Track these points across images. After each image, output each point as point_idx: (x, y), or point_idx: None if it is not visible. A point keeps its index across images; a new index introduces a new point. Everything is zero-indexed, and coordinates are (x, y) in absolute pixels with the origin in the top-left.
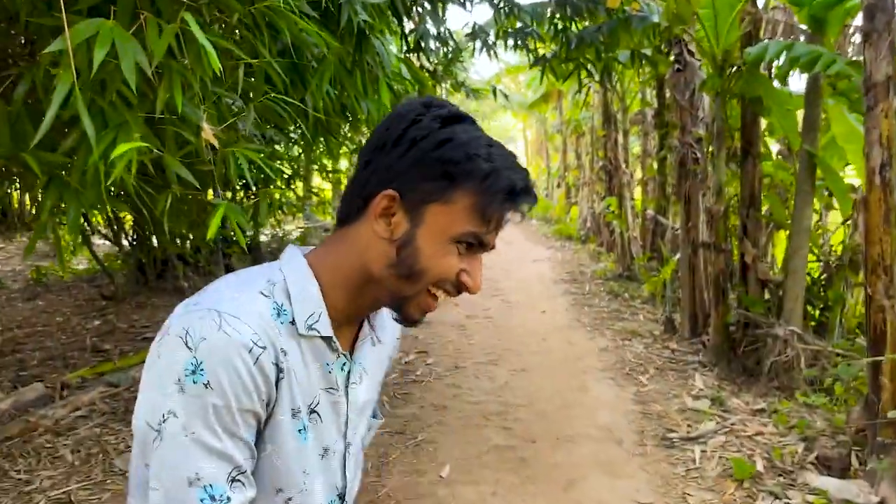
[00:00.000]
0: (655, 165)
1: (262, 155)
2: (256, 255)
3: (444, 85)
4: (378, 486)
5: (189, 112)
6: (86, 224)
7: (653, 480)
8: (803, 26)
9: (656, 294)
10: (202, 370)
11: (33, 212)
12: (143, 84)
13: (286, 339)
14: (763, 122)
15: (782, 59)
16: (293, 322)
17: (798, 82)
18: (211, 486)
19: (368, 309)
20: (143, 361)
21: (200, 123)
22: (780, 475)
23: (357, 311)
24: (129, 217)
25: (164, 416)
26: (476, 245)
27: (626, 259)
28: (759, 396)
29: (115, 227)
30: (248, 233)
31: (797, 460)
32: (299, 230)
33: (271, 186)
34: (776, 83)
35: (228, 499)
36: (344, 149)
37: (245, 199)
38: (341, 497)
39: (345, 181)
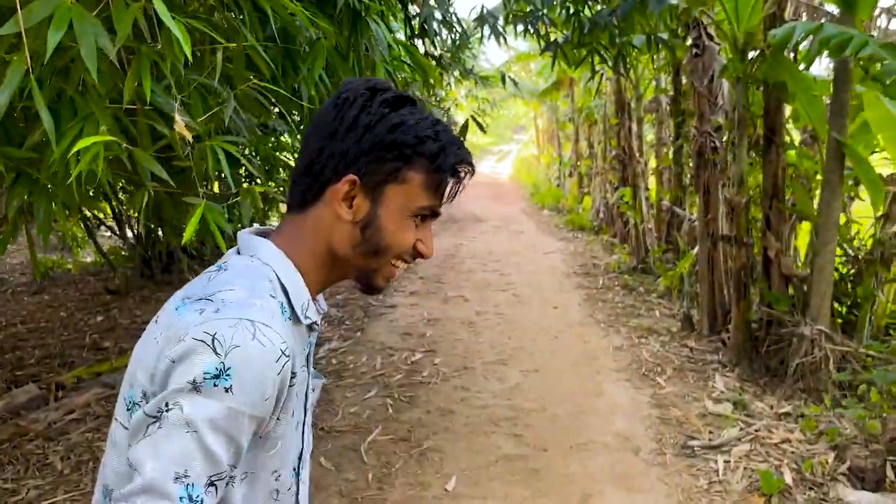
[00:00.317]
0: (671, 154)
1: (267, 145)
2: None
3: (451, 73)
4: (380, 499)
5: (163, 102)
6: (90, 217)
7: (673, 495)
8: (830, 7)
9: (672, 288)
10: (228, 375)
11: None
12: (114, 71)
13: (290, 337)
14: (786, 109)
15: (810, 41)
16: (290, 317)
17: (817, 67)
18: (193, 485)
19: (333, 284)
20: None
21: (173, 114)
22: (810, 488)
23: (324, 287)
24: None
25: (167, 405)
26: (429, 216)
27: (641, 251)
28: (784, 399)
29: (120, 220)
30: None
31: (828, 471)
32: None
33: (256, 182)
34: (802, 68)
35: (202, 501)
36: None
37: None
38: (299, 458)
39: None
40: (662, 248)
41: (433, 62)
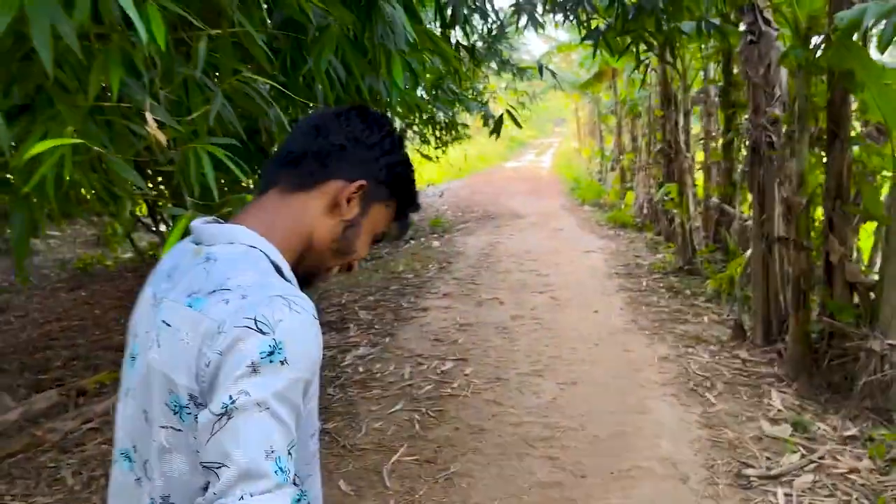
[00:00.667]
0: (720, 149)
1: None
2: None
3: (488, 64)
4: None
5: (142, 100)
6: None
7: None
8: None
9: (722, 292)
10: (280, 349)
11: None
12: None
13: None
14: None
15: (883, 25)
16: None
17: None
18: (279, 457)
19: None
20: None
21: (145, 112)
22: None
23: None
24: (168, 204)
25: (232, 396)
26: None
27: (688, 251)
28: (849, 419)
29: (155, 216)
30: None
31: None
32: None
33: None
34: (873, 55)
35: (289, 470)
36: None
37: None
38: None
39: None
40: (710, 247)
41: (466, 52)
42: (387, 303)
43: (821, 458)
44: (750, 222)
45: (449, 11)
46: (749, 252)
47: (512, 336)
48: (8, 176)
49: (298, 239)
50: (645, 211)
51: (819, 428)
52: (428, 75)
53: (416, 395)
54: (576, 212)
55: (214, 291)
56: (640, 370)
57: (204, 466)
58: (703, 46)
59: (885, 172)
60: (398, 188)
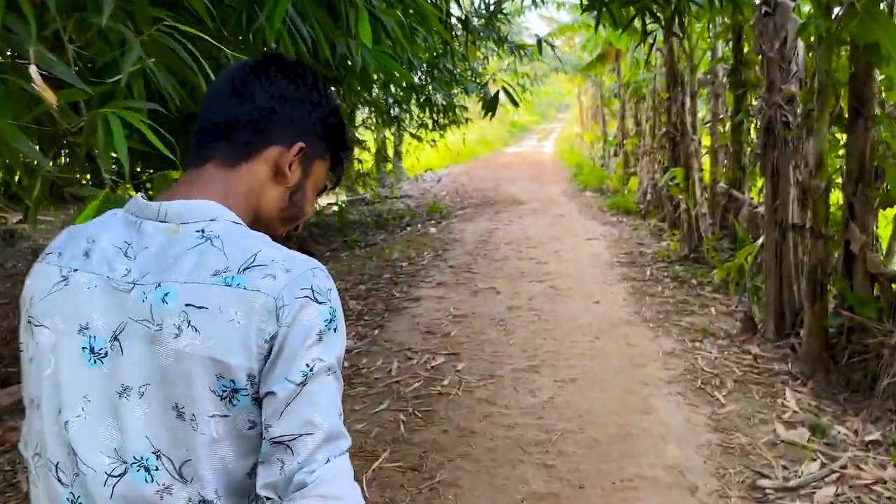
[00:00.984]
0: (728, 131)
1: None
2: None
3: (485, 42)
4: None
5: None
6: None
7: None
8: None
9: (729, 281)
10: (335, 316)
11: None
12: None
13: None
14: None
15: None
16: None
17: None
18: (341, 415)
19: None
20: None
21: (29, 68)
22: None
23: None
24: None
25: (308, 364)
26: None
27: (694, 239)
28: (871, 422)
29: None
30: None
31: None
32: (336, 205)
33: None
34: None
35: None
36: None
37: None
38: None
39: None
40: (718, 235)
41: (459, 24)
42: (378, 292)
43: (843, 466)
44: (760, 208)
45: None
46: (760, 240)
47: (508, 328)
48: None
49: (249, 211)
50: (649, 197)
51: (839, 432)
52: (422, 54)
53: (403, 394)
54: (577, 198)
55: (249, 268)
56: (643, 366)
57: (274, 443)
58: (710, 25)
59: None
60: (333, 139)
